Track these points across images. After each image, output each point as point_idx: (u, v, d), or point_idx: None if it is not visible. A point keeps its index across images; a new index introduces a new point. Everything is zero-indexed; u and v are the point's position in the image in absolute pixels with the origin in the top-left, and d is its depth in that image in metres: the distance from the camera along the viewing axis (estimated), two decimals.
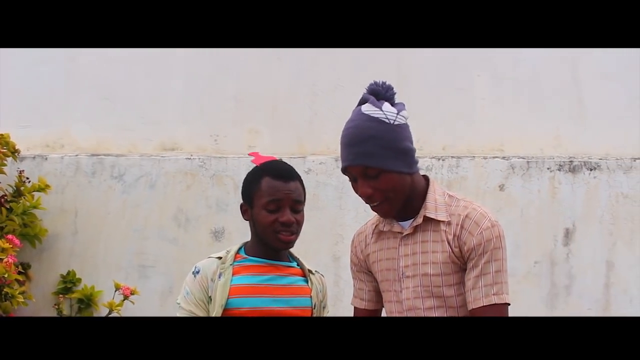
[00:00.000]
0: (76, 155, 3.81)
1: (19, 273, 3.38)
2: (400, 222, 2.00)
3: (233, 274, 2.04)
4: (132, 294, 3.36)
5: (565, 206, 3.33)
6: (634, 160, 3.32)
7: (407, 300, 1.96)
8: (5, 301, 3.38)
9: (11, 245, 3.23)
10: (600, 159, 3.36)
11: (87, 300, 3.60)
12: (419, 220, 1.95)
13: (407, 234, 1.98)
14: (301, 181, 2.10)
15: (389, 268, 2.01)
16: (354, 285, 2.21)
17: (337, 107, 3.68)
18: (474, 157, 3.41)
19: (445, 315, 1.91)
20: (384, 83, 1.94)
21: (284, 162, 2.15)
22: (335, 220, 3.51)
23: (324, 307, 2.21)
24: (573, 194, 3.34)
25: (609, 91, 3.46)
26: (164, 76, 3.81)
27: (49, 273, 3.70)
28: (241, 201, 2.13)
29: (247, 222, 2.12)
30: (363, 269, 2.15)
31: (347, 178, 3.70)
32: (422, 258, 1.94)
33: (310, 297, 2.11)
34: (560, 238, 3.32)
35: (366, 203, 1.96)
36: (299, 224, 2.06)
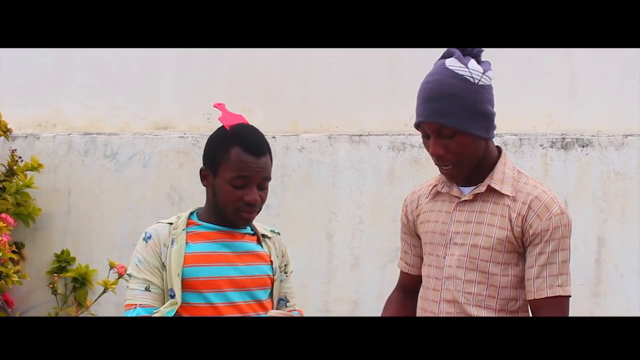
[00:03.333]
0: (68, 134, 3.80)
1: (13, 252, 3.38)
2: (461, 187, 1.91)
3: (187, 241, 1.92)
4: (126, 272, 3.36)
5: (557, 183, 3.34)
6: (626, 137, 3.33)
7: (448, 267, 1.88)
8: (0, 280, 3.39)
9: (5, 225, 3.23)
10: (592, 136, 3.36)
11: (81, 279, 3.61)
12: (482, 188, 1.86)
13: (465, 200, 1.89)
14: (270, 153, 1.96)
15: (437, 231, 1.93)
16: (401, 247, 2.14)
17: (330, 84, 3.67)
18: None
19: (485, 293, 1.84)
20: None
21: (256, 130, 1.97)
22: (328, 199, 3.52)
23: (285, 265, 2.11)
24: (565, 170, 3.34)
25: (601, 68, 3.46)
26: (156, 54, 3.80)
27: (43, 252, 3.70)
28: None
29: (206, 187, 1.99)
30: (411, 231, 2.08)
31: (339, 156, 3.72)
32: (475, 228, 1.86)
33: (271, 263, 2.01)
34: None
35: (435, 164, 1.87)
36: (263, 201, 1.94)
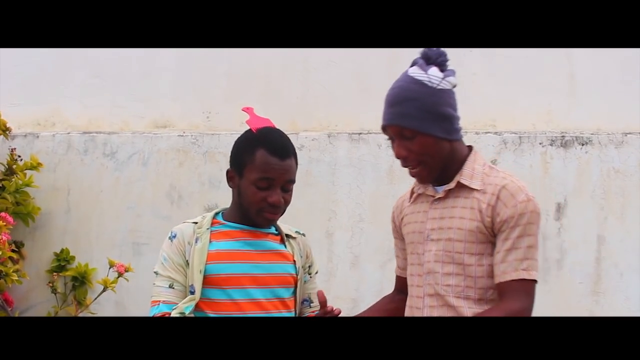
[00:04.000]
0: (68, 133, 3.79)
1: (13, 251, 3.38)
2: (436, 187, 1.99)
3: (210, 240, 1.97)
4: (126, 271, 3.36)
5: (557, 181, 3.34)
6: (625, 135, 3.33)
7: (427, 263, 1.94)
8: (0, 279, 3.38)
9: (4, 223, 3.22)
10: (591, 134, 3.36)
11: (81, 278, 3.61)
12: (452, 185, 1.94)
13: (438, 198, 1.97)
14: (296, 156, 2.01)
15: (416, 230, 2.01)
16: (395, 252, 2.22)
17: (330, 83, 3.67)
18: (466, 132, 3.37)
19: (463, 284, 1.89)
20: (437, 49, 1.94)
21: (281, 133, 2.03)
22: (327, 197, 3.51)
23: (310, 266, 2.14)
24: (565, 168, 3.34)
25: (601, 66, 3.46)
26: (155, 53, 3.79)
27: (43, 251, 3.70)
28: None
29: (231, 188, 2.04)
30: (399, 235, 2.15)
31: (339, 154, 3.72)
32: (449, 223, 1.93)
33: (294, 263, 2.05)
34: (552, 213, 3.34)
35: (402, 166, 1.96)
36: (287, 203, 1.99)
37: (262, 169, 1.93)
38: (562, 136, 3.37)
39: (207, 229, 1.99)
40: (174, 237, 1.99)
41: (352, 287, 3.45)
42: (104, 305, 3.58)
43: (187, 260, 1.96)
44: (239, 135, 2.07)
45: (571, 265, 3.30)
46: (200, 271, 1.92)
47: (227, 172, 2.03)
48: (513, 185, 1.89)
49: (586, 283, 3.28)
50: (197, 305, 1.92)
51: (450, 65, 1.97)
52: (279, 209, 1.97)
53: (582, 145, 3.34)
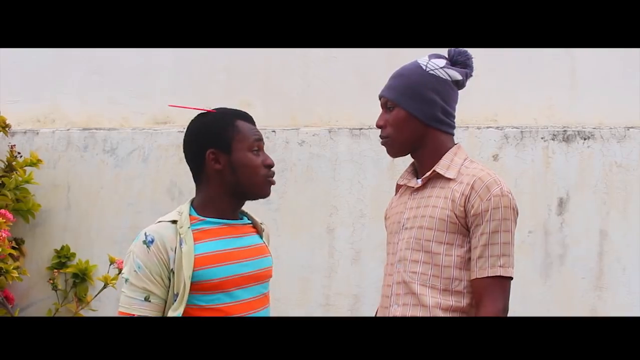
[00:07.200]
0: (67, 130, 3.78)
1: (13, 248, 3.37)
2: (418, 180, 2.04)
3: (194, 241, 1.82)
4: (121, 273, 3.35)
5: (559, 176, 3.33)
6: (628, 130, 3.32)
7: (400, 250, 1.97)
8: (0, 276, 3.38)
9: (4, 220, 3.22)
10: (594, 129, 3.35)
11: (81, 275, 3.60)
12: (428, 174, 1.98)
13: (417, 188, 2.01)
14: None
15: (395, 221, 2.04)
16: None
17: (330, 78, 3.65)
18: (467, 127, 3.40)
19: (429, 272, 1.90)
20: (460, 49, 2.02)
21: None
22: (328, 192, 3.50)
23: None
24: (567, 163, 3.33)
25: (603, 60, 3.44)
26: (154, 49, 3.77)
27: (43, 248, 3.69)
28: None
29: (209, 174, 1.91)
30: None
31: (340, 150, 3.72)
32: (423, 211, 1.95)
33: (270, 255, 2.03)
34: (554, 207, 3.33)
35: (379, 137, 2.05)
36: None
37: (251, 133, 1.93)
38: (564, 131, 3.36)
39: (189, 227, 1.84)
40: (151, 242, 1.79)
41: (353, 283, 3.44)
42: (105, 302, 3.57)
43: (171, 270, 1.79)
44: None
45: (573, 260, 3.29)
46: (189, 277, 1.78)
47: (209, 154, 1.89)
48: (489, 178, 1.90)
49: (588, 278, 3.27)
50: (183, 312, 1.79)
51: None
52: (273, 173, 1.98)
53: (584, 139, 3.33)
